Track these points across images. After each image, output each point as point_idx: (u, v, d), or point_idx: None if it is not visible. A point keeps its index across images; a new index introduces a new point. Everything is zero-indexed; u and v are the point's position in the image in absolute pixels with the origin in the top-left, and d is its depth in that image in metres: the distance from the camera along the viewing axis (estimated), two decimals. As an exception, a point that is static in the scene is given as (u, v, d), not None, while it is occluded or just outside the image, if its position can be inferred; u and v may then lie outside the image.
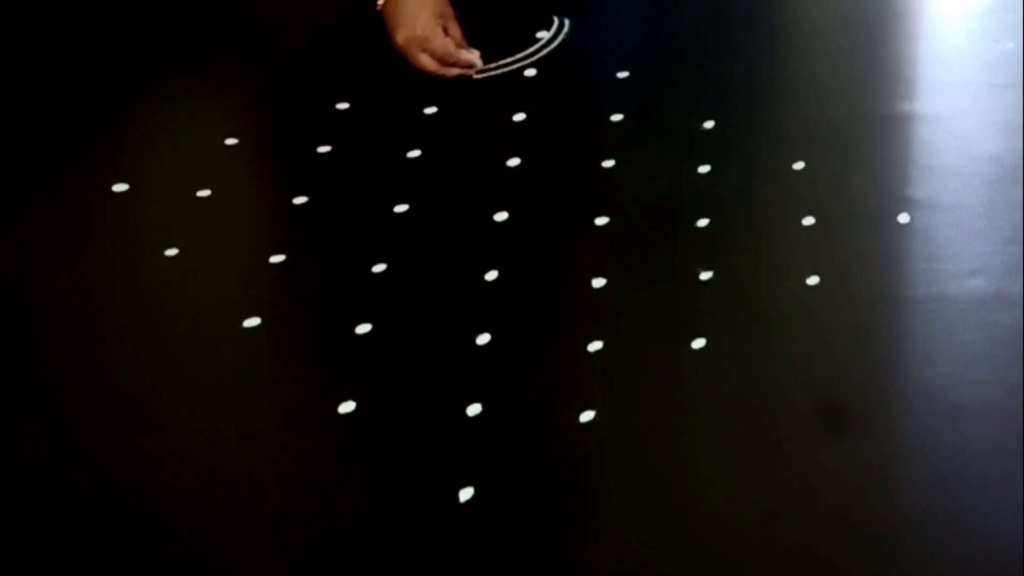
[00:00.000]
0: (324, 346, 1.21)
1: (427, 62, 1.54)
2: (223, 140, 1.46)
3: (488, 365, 1.18)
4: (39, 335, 1.21)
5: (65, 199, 1.38)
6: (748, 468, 1.07)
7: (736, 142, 1.47)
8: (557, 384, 1.16)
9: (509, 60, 1.58)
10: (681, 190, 1.40)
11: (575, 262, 1.30)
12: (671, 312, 1.24)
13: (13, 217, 1.36)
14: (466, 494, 1.04)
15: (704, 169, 1.42)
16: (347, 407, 1.12)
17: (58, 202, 1.38)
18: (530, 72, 1.59)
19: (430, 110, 1.53)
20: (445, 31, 1.55)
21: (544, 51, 1.62)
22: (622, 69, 1.60)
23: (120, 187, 1.39)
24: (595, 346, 1.19)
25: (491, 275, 1.27)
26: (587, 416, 1.11)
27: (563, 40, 1.64)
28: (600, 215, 1.35)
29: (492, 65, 1.58)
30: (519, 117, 1.51)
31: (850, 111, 1.52)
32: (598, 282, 1.26)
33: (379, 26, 1.54)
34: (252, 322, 1.21)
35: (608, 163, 1.44)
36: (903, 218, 1.34)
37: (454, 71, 1.56)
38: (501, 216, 1.35)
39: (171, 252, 1.30)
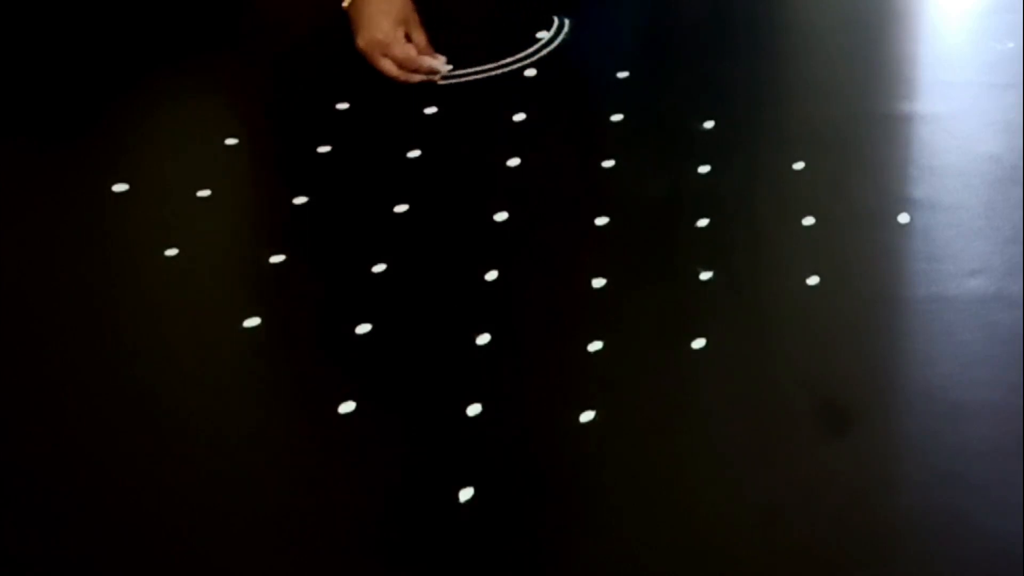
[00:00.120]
0: (324, 346, 1.21)
1: (388, 67, 1.54)
2: (223, 140, 1.46)
3: (488, 365, 1.17)
4: (39, 335, 1.21)
5: (65, 199, 1.38)
6: (748, 468, 1.07)
7: (736, 142, 1.47)
8: (557, 384, 1.16)
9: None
10: (681, 190, 1.40)
11: (575, 262, 1.30)
12: (671, 312, 1.24)
13: (13, 217, 1.35)
14: (466, 494, 1.04)
15: (704, 169, 1.42)
16: (347, 407, 1.12)
17: (58, 202, 1.38)
18: (530, 72, 1.59)
19: (430, 110, 1.53)
20: (408, 37, 1.55)
21: (544, 51, 1.62)
22: (622, 69, 1.60)
23: (120, 187, 1.39)
24: (595, 346, 1.19)
25: (491, 275, 1.27)
26: (587, 416, 1.11)
27: (563, 40, 1.64)
28: (600, 215, 1.35)
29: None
30: (519, 117, 1.51)
31: (850, 111, 1.52)
32: (598, 282, 1.26)
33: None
34: (252, 322, 1.21)
35: (608, 163, 1.44)
36: (903, 218, 1.34)
37: (417, 77, 1.55)
38: (501, 216, 1.35)
39: (171, 252, 1.30)
